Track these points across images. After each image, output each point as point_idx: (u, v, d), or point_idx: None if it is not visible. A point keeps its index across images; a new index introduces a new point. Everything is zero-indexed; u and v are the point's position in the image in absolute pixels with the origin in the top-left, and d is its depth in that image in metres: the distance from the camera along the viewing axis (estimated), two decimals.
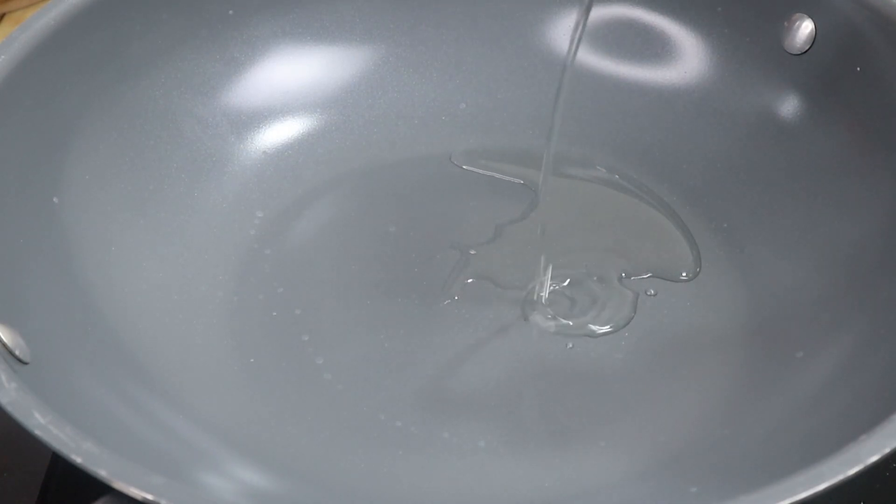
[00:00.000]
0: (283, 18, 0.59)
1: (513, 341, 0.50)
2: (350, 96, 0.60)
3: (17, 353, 0.39)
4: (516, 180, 0.57)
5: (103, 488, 0.34)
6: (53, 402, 0.36)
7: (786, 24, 0.54)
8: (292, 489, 0.43)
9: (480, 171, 0.58)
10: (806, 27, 0.54)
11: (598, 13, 0.61)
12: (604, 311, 0.51)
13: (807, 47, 0.54)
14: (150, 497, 0.33)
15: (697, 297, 0.52)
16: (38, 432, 0.34)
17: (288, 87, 0.59)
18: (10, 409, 0.35)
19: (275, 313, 0.51)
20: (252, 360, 0.49)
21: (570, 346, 0.49)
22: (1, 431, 0.36)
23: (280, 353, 0.49)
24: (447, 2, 0.60)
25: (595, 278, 0.52)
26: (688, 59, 0.59)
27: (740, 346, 0.49)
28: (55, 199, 0.48)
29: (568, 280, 0.52)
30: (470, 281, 0.53)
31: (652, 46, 0.60)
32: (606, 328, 0.50)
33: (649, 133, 0.59)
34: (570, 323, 0.50)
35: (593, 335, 0.50)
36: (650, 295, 0.52)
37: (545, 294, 0.51)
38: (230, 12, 0.57)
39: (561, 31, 0.61)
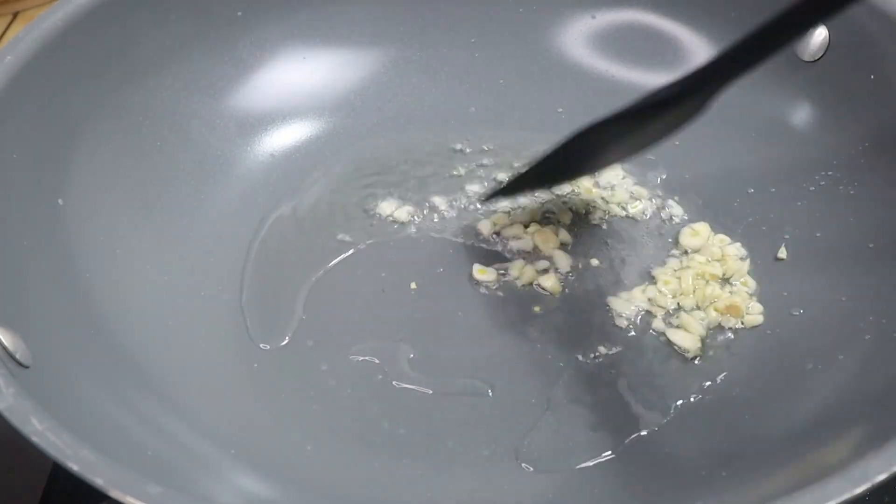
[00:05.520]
0: (292, 20, 0.59)
1: (520, 352, 0.50)
2: (358, 99, 0.60)
3: (17, 356, 0.38)
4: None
5: None
6: (53, 407, 0.36)
7: None
8: (294, 498, 0.43)
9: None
10: (819, 34, 0.54)
11: (611, 18, 0.60)
12: None
13: (820, 54, 0.54)
14: None
15: None
16: (34, 439, 0.34)
17: (296, 90, 0.59)
18: (7, 414, 0.35)
19: (280, 318, 0.51)
20: (255, 366, 0.49)
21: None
22: (5, 431, 0.35)
23: (284, 358, 0.49)
24: (457, 6, 0.60)
25: None
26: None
27: (748, 356, 0.49)
28: (60, 201, 0.48)
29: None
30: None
31: (664, 52, 0.60)
32: None
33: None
34: None
35: None
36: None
37: None
38: (239, 14, 0.57)
39: (570, 35, 0.60)
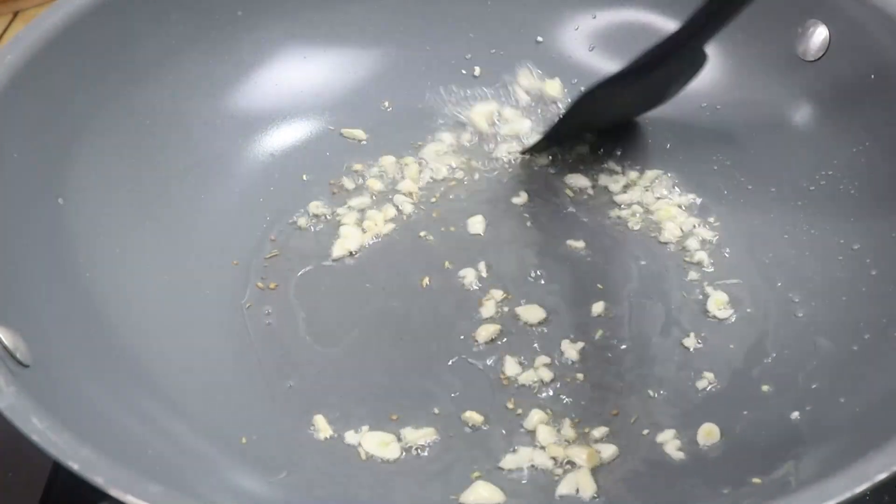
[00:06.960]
0: (293, 20, 0.59)
1: (519, 345, 0.50)
2: (359, 99, 0.60)
3: (17, 355, 0.38)
4: None
5: None
6: (53, 406, 0.36)
7: (800, 30, 0.54)
8: (294, 497, 0.43)
9: None
10: (820, 34, 0.54)
11: (613, 18, 0.61)
12: None
13: (820, 54, 0.54)
14: None
15: None
16: (35, 437, 0.34)
17: (296, 90, 0.59)
18: (7, 413, 0.35)
19: (281, 316, 0.51)
20: (256, 365, 0.49)
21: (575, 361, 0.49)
22: (5, 431, 0.35)
23: (284, 357, 0.49)
24: (457, 6, 0.60)
25: None
26: None
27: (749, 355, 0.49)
28: (60, 200, 0.48)
29: None
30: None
31: None
32: None
33: (663, 138, 0.58)
34: None
35: None
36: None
37: None
38: (239, 13, 0.57)
39: (570, 35, 0.60)
